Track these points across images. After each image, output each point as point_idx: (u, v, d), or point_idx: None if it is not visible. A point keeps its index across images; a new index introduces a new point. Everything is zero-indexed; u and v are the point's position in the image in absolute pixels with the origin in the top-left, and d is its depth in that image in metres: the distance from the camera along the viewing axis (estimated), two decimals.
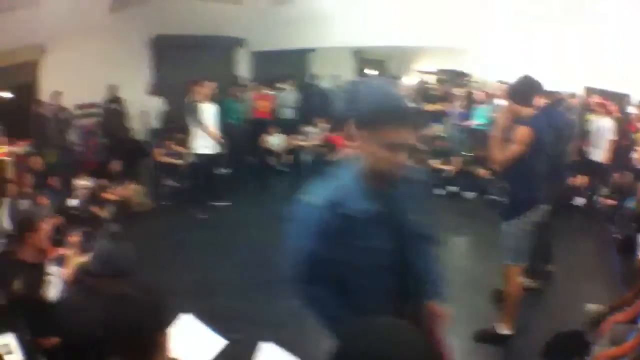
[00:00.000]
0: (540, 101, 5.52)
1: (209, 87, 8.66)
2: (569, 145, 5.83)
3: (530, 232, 4.51)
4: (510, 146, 4.34)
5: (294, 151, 11.93)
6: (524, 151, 4.26)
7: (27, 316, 3.38)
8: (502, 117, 4.73)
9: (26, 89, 10.66)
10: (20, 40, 9.73)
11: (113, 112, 11.41)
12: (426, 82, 15.85)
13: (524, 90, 4.53)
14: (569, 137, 6.11)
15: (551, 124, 4.94)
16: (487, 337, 4.68)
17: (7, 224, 6.81)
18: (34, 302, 3.44)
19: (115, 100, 11.44)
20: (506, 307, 4.65)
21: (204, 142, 8.57)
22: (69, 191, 8.46)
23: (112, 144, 10.79)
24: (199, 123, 8.43)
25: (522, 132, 4.27)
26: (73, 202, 7.65)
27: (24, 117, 9.83)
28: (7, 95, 10.11)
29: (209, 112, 8.58)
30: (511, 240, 4.48)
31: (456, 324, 3.63)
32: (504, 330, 4.62)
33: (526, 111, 4.42)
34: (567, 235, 7.61)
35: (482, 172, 9.67)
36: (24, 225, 3.54)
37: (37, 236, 3.50)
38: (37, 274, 3.55)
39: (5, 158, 8.97)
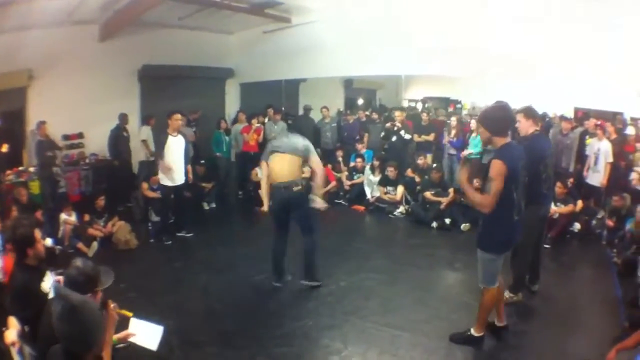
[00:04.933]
0: (530, 129, 5.77)
1: (176, 119, 8.52)
2: (550, 169, 5.80)
3: (501, 262, 4.77)
4: (492, 184, 4.36)
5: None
6: (503, 183, 4.32)
7: None
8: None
9: (13, 116, 10.52)
10: (7, 65, 9.61)
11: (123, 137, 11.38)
12: (416, 110, 15.78)
13: (499, 122, 4.55)
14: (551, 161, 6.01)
15: (536, 150, 5.51)
16: (462, 339, 5.12)
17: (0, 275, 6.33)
18: None
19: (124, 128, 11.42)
20: (479, 316, 5.02)
21: (168, 174, 8.52)
22: (53, 227, 8.22)
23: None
24: (161, 156, 8.44)
25: (497, 167, 4.32)
26: (49, 242, 7.26)
27: (10, 144, 9.53)
28: None
29: (175, 145, 8.49)
30: (483, 268, 4.79)
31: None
32: (477, 333, 5.05)
33: (499, 142, 4.52)
34: (564, 260, 7.64)
35: None
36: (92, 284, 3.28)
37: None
38: None
39: None
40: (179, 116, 8.58)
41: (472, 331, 5.06)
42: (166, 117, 8.64)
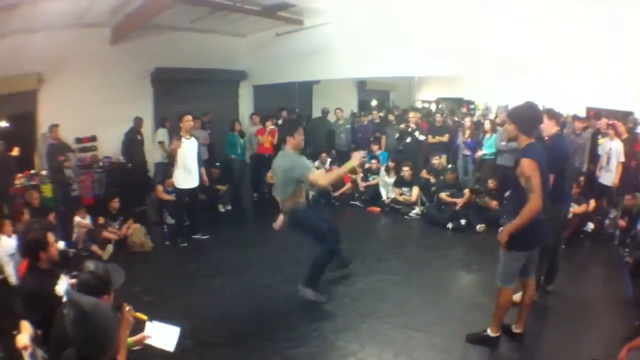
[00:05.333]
0: (553, 129, 5.76)
1: (187, 120, 8.50)
2: (569, 170, 5.82)
3: (522, 262, 4.77)
4: (529, 183, 4.38)
5: None
6: (540, 178, 4.36)
7: None
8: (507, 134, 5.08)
9: (24, 119, 10.51)
10: (17, 68, 9.61)
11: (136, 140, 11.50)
12: (430, 111, 15.73)
13: (529, 121, 4.66)
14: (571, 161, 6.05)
15: (559, 150, 5.57)
16: (478, 339, 5.15)
17: (14, 279, 6.66)
18: None
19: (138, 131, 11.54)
20: (495, 315, 5.05)
21: (182, 176, 8.51)
22: (66, 230, 8.29)
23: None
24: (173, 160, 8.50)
25: (528, 164, 4.40)
26: (61, 245, 7.25)
27: (20, 147, 9.45)
28: (5, 125, 9.82)
29: (188, 148, 8.46)
30: (504, 266, 4.80)
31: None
32: (493, 333, 5.07)
33: (525, 141, 4.62)
34: (578, 260, 7.60)
35: (492, 203, 9.39)
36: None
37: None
38: None
39: None
40: (189, 117, 8.54)
41: (488, 331, 5.07)
42: (177, 120, 8.66)
